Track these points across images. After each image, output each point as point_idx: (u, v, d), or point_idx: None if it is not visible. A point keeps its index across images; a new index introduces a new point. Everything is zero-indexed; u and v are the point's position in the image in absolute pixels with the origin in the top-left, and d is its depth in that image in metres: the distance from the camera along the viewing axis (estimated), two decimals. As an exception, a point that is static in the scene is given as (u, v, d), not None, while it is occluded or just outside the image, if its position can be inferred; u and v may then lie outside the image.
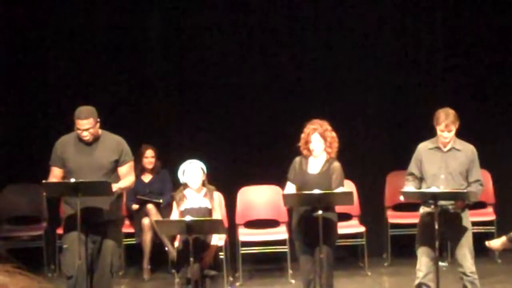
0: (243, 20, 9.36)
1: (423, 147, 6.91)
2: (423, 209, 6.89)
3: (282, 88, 9.39)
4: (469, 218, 6.86)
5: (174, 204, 7.01)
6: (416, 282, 6.83)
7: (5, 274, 1.41)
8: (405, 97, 9.43)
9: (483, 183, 6.92)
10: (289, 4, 9.40)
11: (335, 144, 6.82)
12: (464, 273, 6.76)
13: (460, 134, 6.90)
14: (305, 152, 6.87)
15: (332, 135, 6.81)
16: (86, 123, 6.53)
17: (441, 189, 6.60)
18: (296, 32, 9.40)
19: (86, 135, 6.56)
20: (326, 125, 6.82)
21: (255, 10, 9.38)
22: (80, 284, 6.51)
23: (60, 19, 9.23)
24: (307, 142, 6.83)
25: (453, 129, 6.75)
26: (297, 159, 6.92)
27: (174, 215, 6.96)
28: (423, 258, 6.80)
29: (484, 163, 7.45)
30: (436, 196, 6.54)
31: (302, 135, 6.87)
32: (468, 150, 6.84)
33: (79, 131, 6.58)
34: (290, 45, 9.40)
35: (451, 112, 6.76)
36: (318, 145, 6.79)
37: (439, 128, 6.76)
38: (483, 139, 8.26)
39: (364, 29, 9.38)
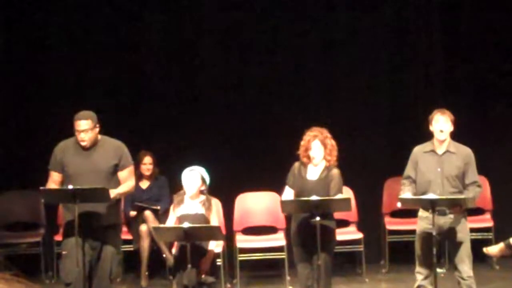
0: (242, 23, 9.36)
1: (419, 150, 6.93)
2: (422, 212, 6.89)
3: (280, 95, 9.39)
4: (467, 224, 6.88)
5: (171, 207, 7.02)
6: (416, 284, 6.85)
7: (3, 281, 1.41)
8: (403, 103, 9.44)
9: (480, 185, 6.93)
10: (289, 6, 9.40)
11: (335, 152, 6.83)
12: (462, 277, 6.77)
13: (458, 139, 6.91)
14: (304, 159, 6.86)
15: (332, 142, 6.82)
16: (85, 124, 6.52)
17: (438, 193, 6.61)
18: (294, 36, 9.39)
19: (84, 137, 6.54)
20: (326, 133, 6.84)
21: (255, 13, 9.39)
22: (78, 291, 6.50)
23: (60, 21, 9.23)
24: (307, 149, 6.82)
25: (449, 129, 6.77)
26: (296, 164, 6.92)
27: (171, 219, 6.96)
28: (422, 263, 6.82)
29: (482, 169, 7.44)
30: (434, 203, 6.55)
31: (302, 142, 6.86)
32: (463, 152, 6.85)
33: (77, 133, 6.57)
34: (288, 51, 9.40)
35: (447, 112, 6.81)
36: (319, 152, 6.79)
37: (434, 128, 6.78)
38: (481, 145, 8.25)
39: (362, 34, 9.38)
